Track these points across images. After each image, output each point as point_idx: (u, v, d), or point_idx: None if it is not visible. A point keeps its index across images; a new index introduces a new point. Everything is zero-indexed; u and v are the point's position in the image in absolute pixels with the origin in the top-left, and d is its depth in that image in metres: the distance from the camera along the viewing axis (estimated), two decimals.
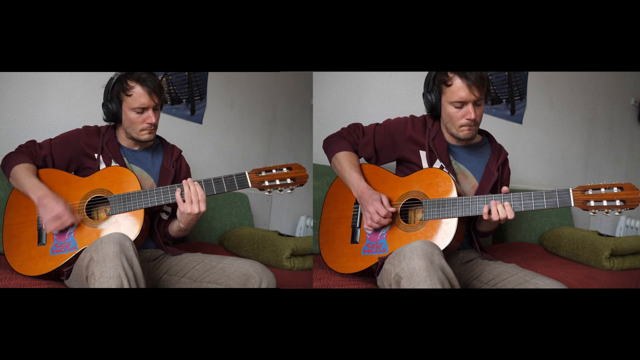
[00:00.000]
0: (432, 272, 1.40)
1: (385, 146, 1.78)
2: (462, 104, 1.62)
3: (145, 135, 1.70)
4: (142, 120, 1.67)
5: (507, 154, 1.77)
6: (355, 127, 1.82)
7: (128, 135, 1.72)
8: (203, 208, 1.58)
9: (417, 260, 1.41)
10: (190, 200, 1.58)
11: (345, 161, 1.73)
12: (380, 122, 1.81)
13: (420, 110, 1.80)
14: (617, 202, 1.44)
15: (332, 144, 1.79)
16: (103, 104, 1.70)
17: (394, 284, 1.46)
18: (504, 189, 1.56)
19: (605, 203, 1.45)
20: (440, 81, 1.65)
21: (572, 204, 1.48)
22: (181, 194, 1.59)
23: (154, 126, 1.70)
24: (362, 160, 1.81)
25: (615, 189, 1.45)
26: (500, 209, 1.52)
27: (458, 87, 1.61)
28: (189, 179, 1.60)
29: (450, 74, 1.62)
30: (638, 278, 2.13)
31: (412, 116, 1.78)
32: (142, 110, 1.66)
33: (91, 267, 1.41)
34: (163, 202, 1.61)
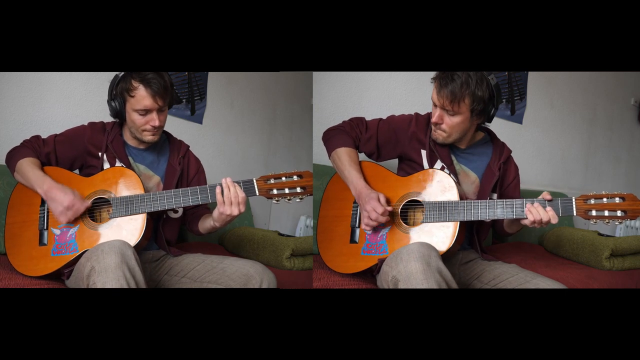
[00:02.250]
0: (429, 274, 1.40)
1: (388, 143, 1.76)
2: (435, 105, 1.62)
3: (148, 137, 1.65)
4: (145, 122, 1.62)
5: (510, 151, 1.75)
6: (359, 122, 1.79)
7: (133, 135, 1.69)
8: (243, 209, 1.54)
9: (413, 263, 1.41)
10: (230, 201, 1.54)
11: (346, 157, 1.71)
12: (384, 118, 1.79)
13: (420, 109, 1.80)
14: (619, 213, 1.45)
15: (332, 138, 1.76)
16: (107, 101, 1.67)
17: (391, 286, 1.46)
18: (546, 196, 1.52)
19: (606, 213, 1.46)
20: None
21: (575, 213, 1.48)
22: (220, 194, 1.55)
23: (158, 128, 1.65)
24: (362, 156, 1.79)
25: (617, 199, 1.45)
26: (542, 212, 1.50)
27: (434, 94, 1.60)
28: (228, 179, 1.55)
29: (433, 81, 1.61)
30: (638, 278, 2.13)
31: (416, 114, 1.76)
32: (146, 112, 1.61)
33: (92, 277, 1.39)
34: (166, 207, 1.58)
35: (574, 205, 1.48)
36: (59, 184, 1.59)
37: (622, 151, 3.31)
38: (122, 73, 1.62)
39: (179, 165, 1.72)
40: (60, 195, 1.56)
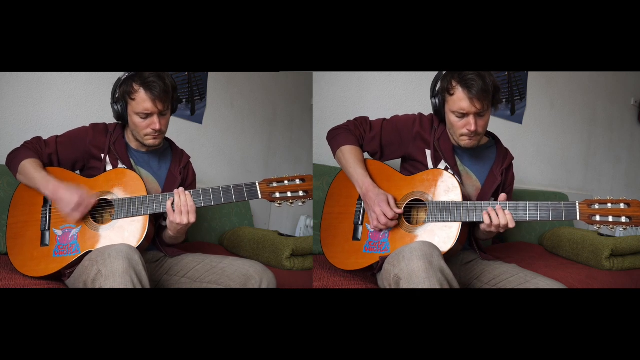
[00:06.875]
0: (432, 273, 1.40)
1: (392, 142, 1.76)
2: (463, 114, 1.60)
3: (149, 141, 1.65)
4: (147, 125, 1.62)
5: (512, 158, 1.75)
6: (363, 121, 1.79)
7: (135, 138, 1.68)
8: (192, 219, 1.55)
9: (416, 261, 1.41)
10: (180, 210, 1.55)
11: (351, 155, 1.71)
12: (387, 118, 1.79)
13: (420, 109, 1.79)
14: (623, 219, 1.42)
15: (337, 137, 1.77)
16: (111, 104, 1.67)
17: (393, 284, 1.46)
18: (502, 196, 1.55)
19: (611, 219, 1.43)
20: (444, 89, 1.62)
21: (578, 218, 1.46)
22: (172, 204, 1.56)
23: (160, 132, 1.64)
24: (366, 155, 1.79)
25: (622, 205, 1.43)
26: (500, 215, 1.51)
27: (460, 98, 1.58)
28: (180, 188, 1.57)
29: (454, 83, 1.59)
30: (638, 278, 2.13)
31: (420, 114, 1.75)
32: (147, 115, 1.61)
33: (99, 281, 1.39)
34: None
35: (578, 210, 1.47)
36: (63, 182, 1.58)
37: (622, 151, 3.31)
38: (125, 76, 1.62)
39: (180, 175, 1.72)
40: (67, 195, 1.56)
